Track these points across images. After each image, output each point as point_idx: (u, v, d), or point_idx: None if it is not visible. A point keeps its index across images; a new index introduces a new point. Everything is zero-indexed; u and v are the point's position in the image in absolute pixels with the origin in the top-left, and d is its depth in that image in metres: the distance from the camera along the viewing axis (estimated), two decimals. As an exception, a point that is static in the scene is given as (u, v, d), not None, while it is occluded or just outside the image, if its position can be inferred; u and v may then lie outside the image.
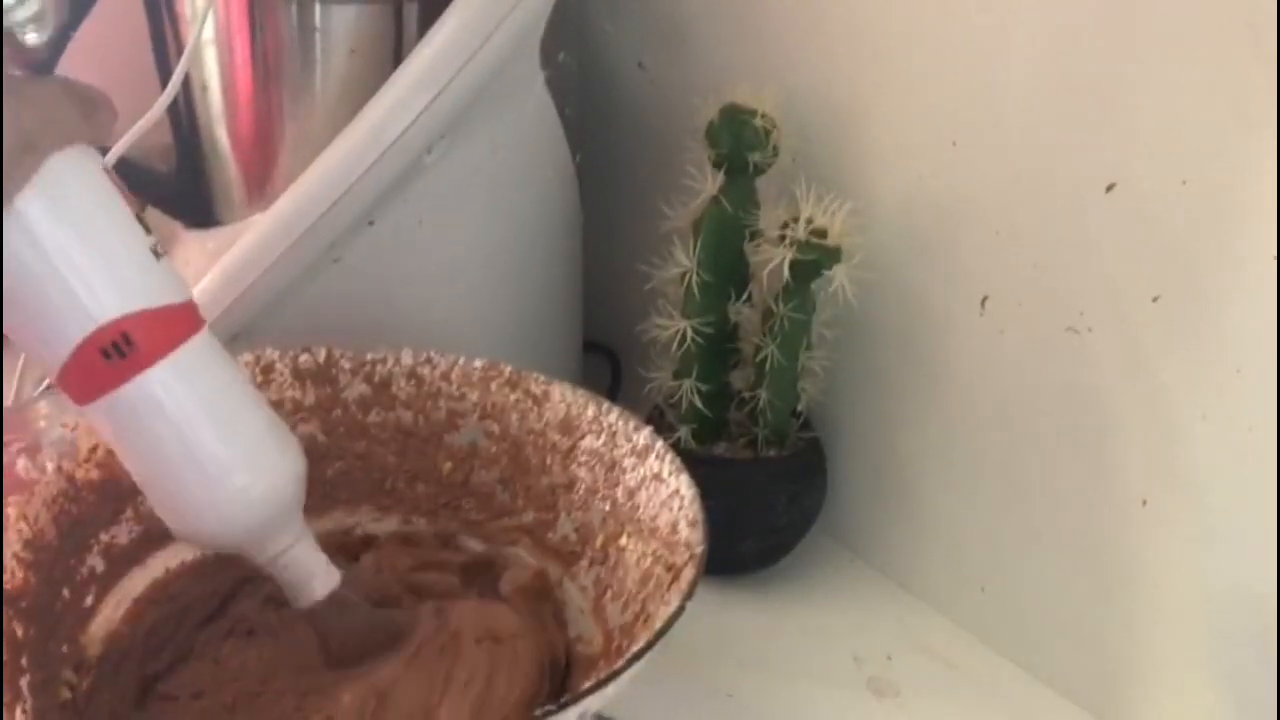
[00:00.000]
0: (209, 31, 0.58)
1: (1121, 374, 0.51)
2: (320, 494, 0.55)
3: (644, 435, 0.51)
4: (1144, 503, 0.52)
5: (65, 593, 0.47)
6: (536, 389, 0.54)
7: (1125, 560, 0.53)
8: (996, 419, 0.57)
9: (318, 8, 0.57)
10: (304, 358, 0.55)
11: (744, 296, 0.59)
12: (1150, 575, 0.52)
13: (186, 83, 0.60)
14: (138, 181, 0.62)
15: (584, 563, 0.51)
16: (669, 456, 0.49)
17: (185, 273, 0.62)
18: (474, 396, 0.55)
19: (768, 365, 0.58)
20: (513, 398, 0.55)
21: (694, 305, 0.58)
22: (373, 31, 0.58)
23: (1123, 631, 0.54)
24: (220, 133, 0.61)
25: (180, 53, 0.61)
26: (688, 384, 0.60)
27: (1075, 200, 0.51)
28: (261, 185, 0.62)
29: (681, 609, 0.41)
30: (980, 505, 0.59)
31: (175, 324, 0.41)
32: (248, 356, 0.54)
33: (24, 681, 0.43)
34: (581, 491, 0.52)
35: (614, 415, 0.52)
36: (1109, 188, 0.50)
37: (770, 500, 0.61)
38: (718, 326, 0.59)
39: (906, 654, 0.60)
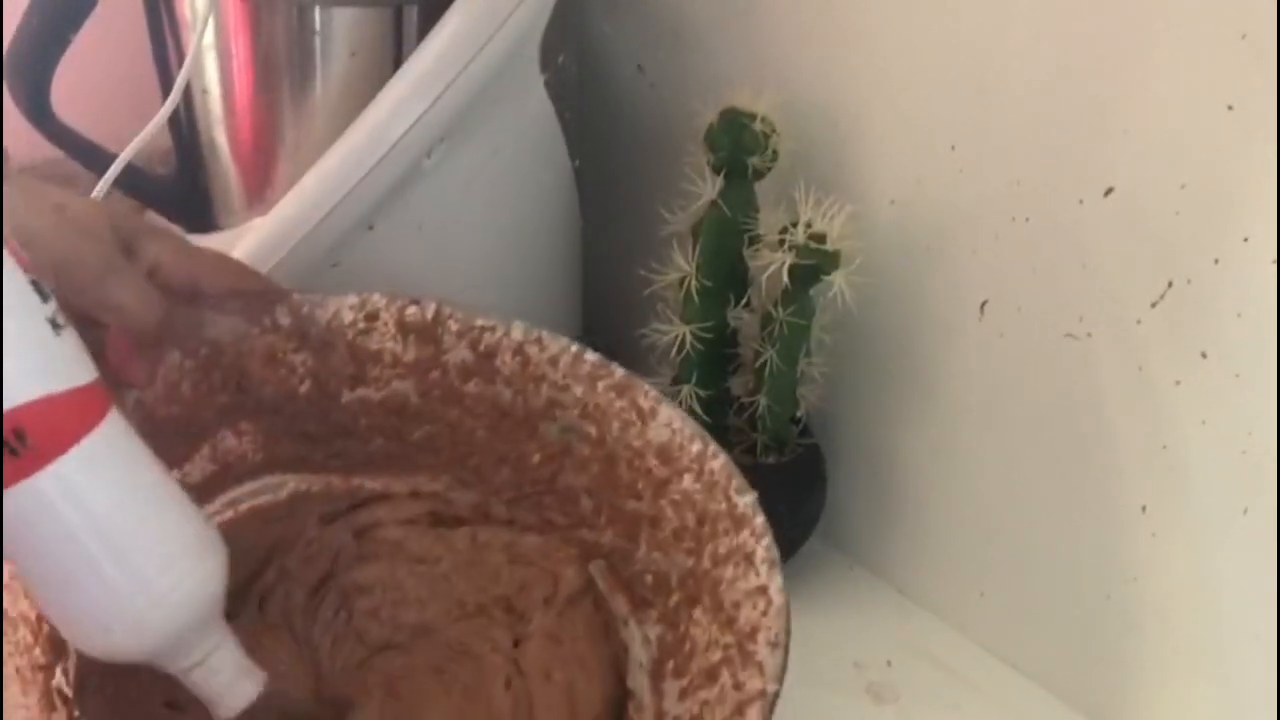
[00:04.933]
0: (209, 35, 0.58)
1: (1120, 379, 0.51)
2: (402, 455, 0.53)
3: (746, 501, 0.46)
4: (1143, 508, 0.52)
5: None
6: (644, 403, 0.50)
7: (1124, 565, 0.53)
8: (995, 424, 0.57)
9: (317, 11, 0.57)
10: (411, 310, 0.52)
11: (743, 301, 0.59)
12: (1149, 580, 0.52)
13: (186, 86, 0.60)
14: (138, 185, 0.63)
15: (653, 613, 0.48)
16: (765, 541, 0.45)
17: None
18: (578, 391, 0.52)
19: (767, 371, 0.58)
20: (618, 404, 0.51)
21: (693, 310, 0.58)
22: (372, 35, 0.58)
23: (1122, 636, 0.54)
24: (220, 136, 0.61)
25: (180, 55, 0.61)
26: (687, 389, 0.60)
27: (1074, 204, 0.51)
28: (261, 189, 0.62)
29: None
30: (979, 511, 0.59)
31: (78, 411, 0.36)
32: (353, 299, 0.52)
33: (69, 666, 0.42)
34: (667, 533, 0.49)
35: (719, 462, 0.47)
36: (1107, 192, 0.50)
37: (770, 507, 0.59)
38: (717, 332, 0.59)
39: (906, 659, 0.60)
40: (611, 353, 0.74)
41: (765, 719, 0.39)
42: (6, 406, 0.34)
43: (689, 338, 0.58)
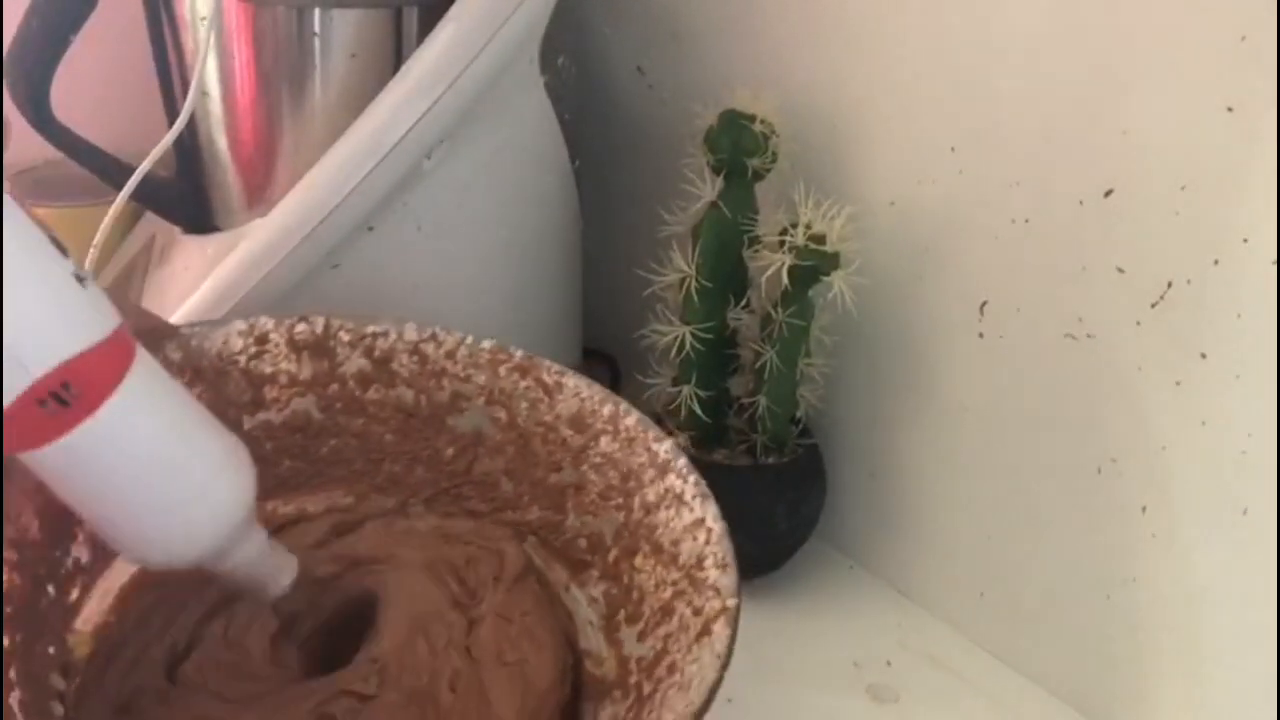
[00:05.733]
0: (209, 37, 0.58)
1: (1120, 379, 0.51)
2: (313, 472, 0.53)
3: (665, 448, 0.47)
4: (1143, 509, 0.52)
5: (50, 589, 0.45)
6: (549, 378, 0.51)
7: (1124, 566, 0.53)
8: (995, 424, 0.57)
9: (317, 13, 0.57)
10: (301, 328, 0.52)
11: (743, 302, 0.59)
12: (1149, 581, 0.52)
13: (186, 88, 0.60)
14: (138, 187, 0.63)
15: (594, 573, 0.49)
16: (693, 479, 0.46)
17: (184, 278, 0.63)
18: (480, 379, 0.52)
19: (767, 371, 0.58)
20: (522, 385, 0.51)
21: (693, 311, 0.58)
22: (372, 36, 0.58)
23: (1121, 636, 0.54)
24: (220, 138, 0.61)
25: (180, 55, 0.61)
26: (687, 390, 0.60)
27: (1074, 205, 0.51)
28: (261, 190, 0.62)
29: (719, 681, 0.38)
30: (979, 511, 0.59)
31: (113, 359, 0.38)
32: (241, 325, 0.52)
33: (14, 699, 0.41)
34: (593, 496, 0.49)
35: (632, 419, 0.49)
36: (1107, 193, 0.50)
37: (769, 507, 0.61)
38: (717, 332, 0.59)
39: (906, 660, 0.60)
40: (611, 353, 0.75)
41: (732, 629, 0.40)
42: (53, 364, 0.35)
43: (689, 338, 0.58)
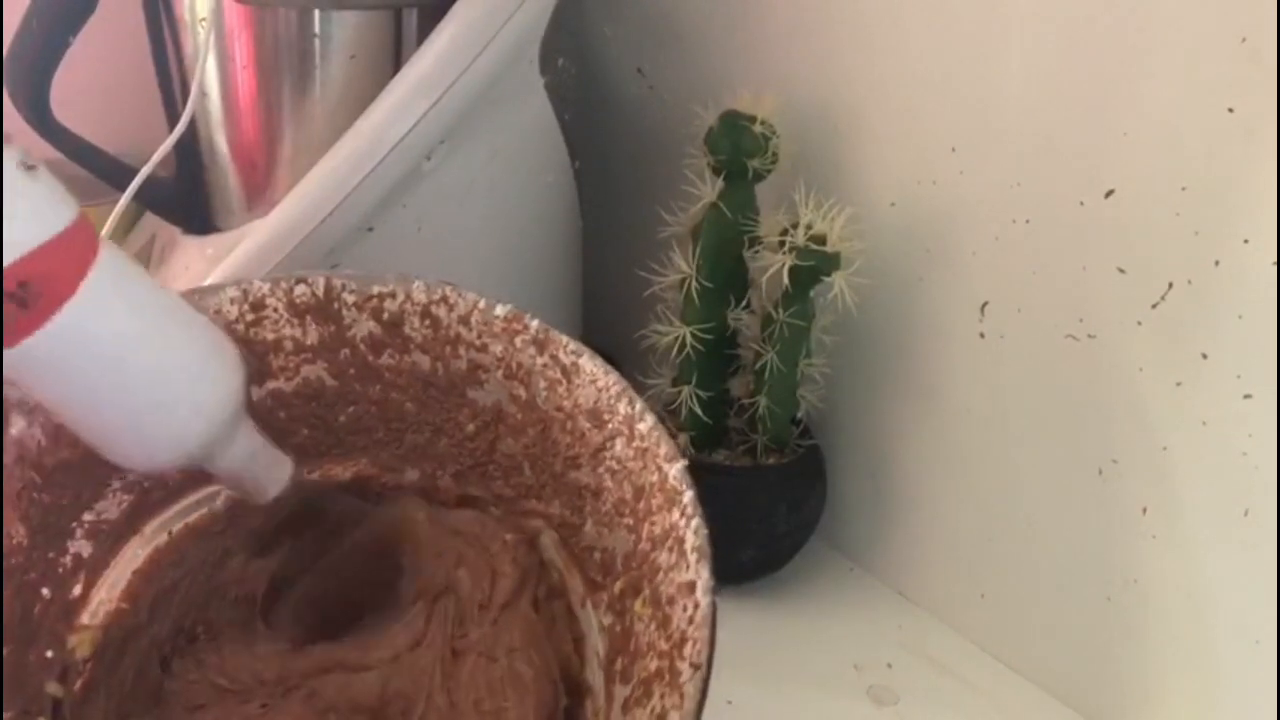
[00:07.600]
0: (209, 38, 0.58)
1: (1121, 380, 0.51)
2: (333, 441, 0.51)
3: (674, 471, 0.43)
4: (1144, 510, 0.52)
5: (46, 592, 0.44)
6: (566, 358, 0.48)
7: (1125, 567, 0.53)
8: (996, 425, 0.57)
9: (317, 14, 0.57)
10: (300, 290, 0.49)
11: (743, 303, 0.59)
12: (1150, 582, 0.52)
13: (186, 89, 0.60)
14: (138, 188, 0.63)
15: (604, 597, 0.46)
16: (695, 523, 0.41)
17: (184, 278, 0.63)
18: (497, 349, 0.49)
19: (767, 372, 0.58)
20: (539, 361, 0.48)
21: (693, 312, 0.58)
22: (372, 37, 0.58)
23: (1122, 638, 0.54)
24: (220, 138, 0.61)
25: (179, 56, 0.61)
26: (687, 391, 0.60)
27: (1074, 206, 0.51)
28: (260, 191, 0.62)
29: None
30: (980, 512, 0.59)
31: (74, 251, 0.34)
32: (233, 291, 0.49)
33: None
34: (609, 506, 0.46)
35: (646, 424, 0.45)
36: (1108, 193, 0.50)
37: (770, 508, 0.60)
38: (717, 333, 0.59)
39: (906, 661, 0.60)
40: (612, 353, 0.74)
41: None
42: (6, 262, 0.33)
43: (689, 339, 0.58)
